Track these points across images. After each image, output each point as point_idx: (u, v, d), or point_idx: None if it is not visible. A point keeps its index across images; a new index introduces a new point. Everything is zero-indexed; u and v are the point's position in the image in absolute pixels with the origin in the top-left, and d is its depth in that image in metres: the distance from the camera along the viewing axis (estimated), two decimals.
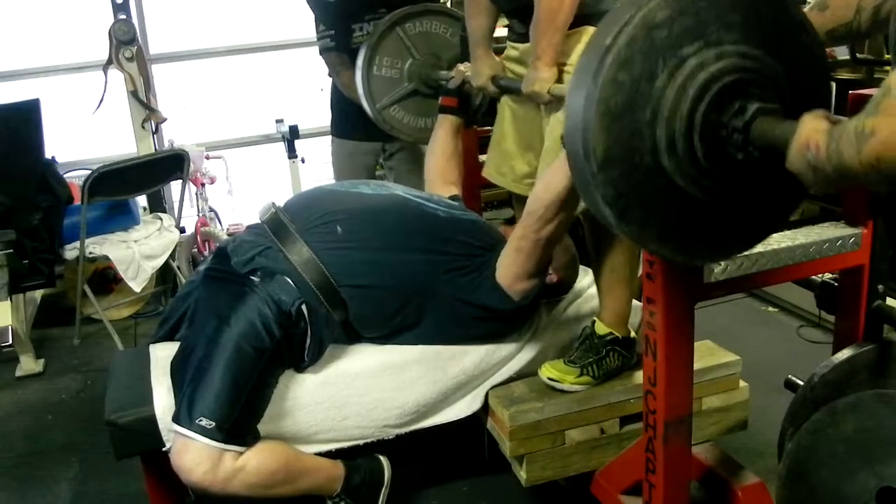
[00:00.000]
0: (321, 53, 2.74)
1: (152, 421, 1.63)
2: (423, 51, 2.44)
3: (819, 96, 1.12)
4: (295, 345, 1.67)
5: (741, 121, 1.02)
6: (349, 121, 2.75)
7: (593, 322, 1.80)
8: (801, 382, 1.55)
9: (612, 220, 1.05)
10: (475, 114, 2.25)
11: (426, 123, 2.49)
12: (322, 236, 1.72)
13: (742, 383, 1.85)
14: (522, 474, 1.74)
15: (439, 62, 2.44)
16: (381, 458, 1.85)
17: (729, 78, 1.02)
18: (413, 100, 2.49)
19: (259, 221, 1.81)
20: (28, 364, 3.03)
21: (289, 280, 1.66)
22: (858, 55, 3.04)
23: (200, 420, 1.53)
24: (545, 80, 1.67)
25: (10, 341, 3.08)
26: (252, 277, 1.67)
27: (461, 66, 2.11)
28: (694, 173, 1.04)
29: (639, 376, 1.71)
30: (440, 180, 2.15)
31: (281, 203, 1.87)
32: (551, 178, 1.59)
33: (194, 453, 1.54)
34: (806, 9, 1.35)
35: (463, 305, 1.75)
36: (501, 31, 2.12)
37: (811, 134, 0.91)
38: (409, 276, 1.74)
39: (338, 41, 2.68)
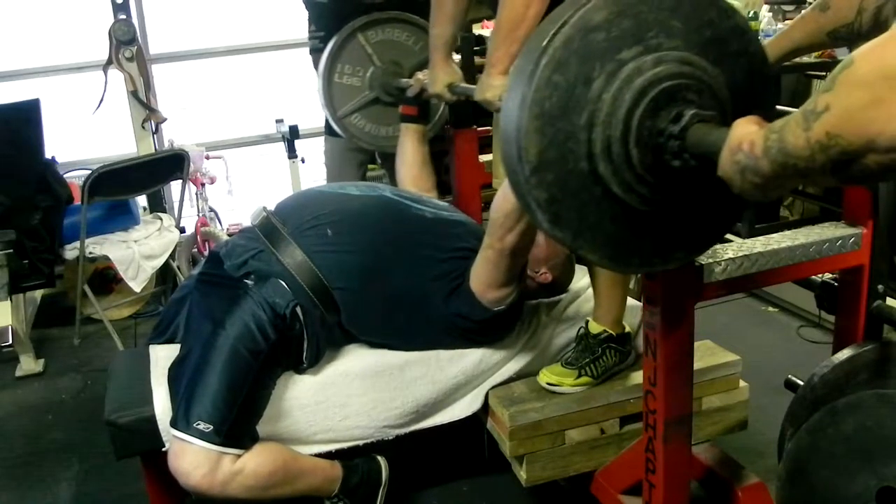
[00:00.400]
0: (310, 53, 2.74)
1: (152, 421, 1.63)
2: (385, 58, 2.42)
3: (761, 102, 1.10)
4: (292, 347, 1.68)
5: (677, 127, 0.99)
6: None
7: (587, 322, 1.80)
8: (801, 382, 1.55)
9: (545, 224, 1.04)
10: (440, 121, 2.24)
11: (388, 132, 2.48)
12: (313, 239, 1.73)
13: (742, 383, 1.85)
14: (522, 474, 1.74)
15: (401, 70, 2.43)
16: (379, 458, 1.85)
17: (666, 83, 0.99)
18: (374, 108, 2.48)
19: (251, 225, 1.82)
20: (28, 364, 3.02)
21: (282, 283, 1.67)
22: None
23: (198, 424, 1.53)
24: (497, 87, 1.65)
25: (10, 341, 3.08)
26: (246, 281, 1.68)
27: (420, 75, 2.10)
28: (630, 180, 1.02)
29: (638, 376, 1.71)
30: (415, 189, 2.15)
31: (272, 206, 1.87)
32: (508, 188, 1.59)
33: (192, 457, 1.54)
34: (807, 9, 1.35)
35: (451, 316, 1.76)
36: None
37: (743, 136, 0.89)
38: (396, 280, 1.74)
39: (327, 42, 2.67)
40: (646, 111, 0.99)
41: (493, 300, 1.72)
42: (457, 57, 2.25)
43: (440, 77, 1.98)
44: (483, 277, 1.70)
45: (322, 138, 2.87)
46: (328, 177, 2.90)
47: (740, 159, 0.88)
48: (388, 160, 2.86)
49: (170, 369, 1.65)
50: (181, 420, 1.55)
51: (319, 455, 1.75)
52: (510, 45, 1.62)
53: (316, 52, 2.71)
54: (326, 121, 2.89)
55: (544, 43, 0.98)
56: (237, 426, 1.57)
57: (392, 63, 2.43)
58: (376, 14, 2.44)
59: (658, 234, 1.12)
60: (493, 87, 1.66)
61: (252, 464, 1.59)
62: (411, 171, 2.19)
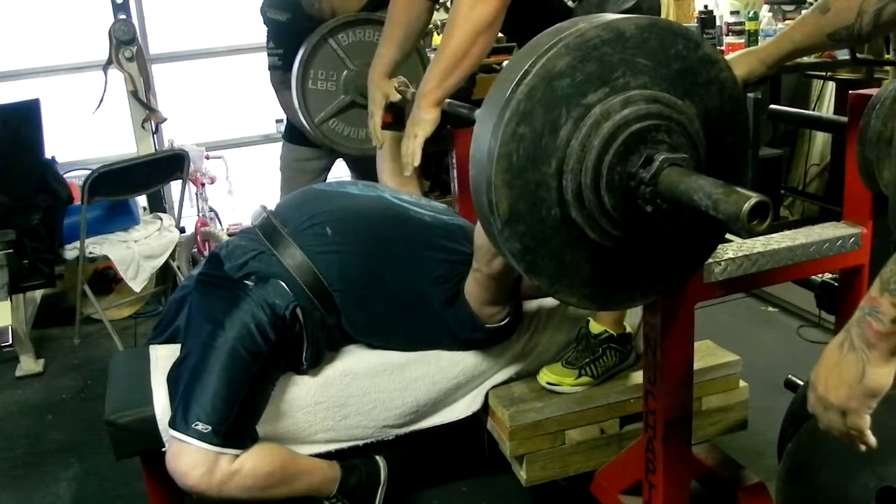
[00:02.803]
0: (269, 69, 2.74)
1: (152, 421, 1.63)
2: (359, 61, 2.38)
3: (733, 127, 1.10)
4: (291, 348, 1.67)
5: (648, 173, 0.98)
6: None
7: (587, 322, 1.80)
8: (801, 382, 1.55)
9: (522, 272, 1.03)
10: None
11: (368, 134, 2.47)
12: (313, 239, 1.72)
13: (742, 383, 1.85)
14: (522, 474, 1.74)
15: None
16: (378, 458, 1.85)
17: (635, 126, 0.98)
18: (352, 112, 2.44)
19: (251, 225, 1.81)
20: (28, 364, 3.03)
21: (282, 284, 1.66)
22: (858, 55, 3.04)
23: (196, 424, 1.53)
24: (427, 121, 1.62)
25: (10, 341, 3.09)
26: (246, 282, 1.67)
27: (395, 82, 2.02)
28: (604, 224, 1.01)
29: (638, 376, 1.71)
30: None
31: (272, 206, 1.87)
32: None
33: (190, 457, 1.53)
34: (807, 11, 1.35)
35: (450, 325, 1.75)
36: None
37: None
38: (395, 282, 1.73)
39: (284, 60, 2.67)
40: (616, 156, 0.98)
41: (487, 316, 1.72)
42: None
43: (376, 96, 1.95)
44: (475, 296, 1.70)
45: None
46: (282, 186, 2.86)
47: None
48: (359, 165, 2.81)
49: (169, 371, 1.65)
50: (180, 421, 1.55)
51: (319, 455, 1.75)
52: (446, 79, 1.59)
53: (274, 70, 2.71)
54: (287, 125, 2.87)
55: (507, 94, 0.96)
56: (236, 427, 1.57)
57: (365, 65, 2.34)
58: (345, 17, 2.41)
59: (636, 271, 1.11)
60: (423, 121, 1.62)
61: (250, 464, 1.58)
62: (394, 180, 2.15)
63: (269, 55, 2.71)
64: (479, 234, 1.60)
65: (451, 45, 1.57)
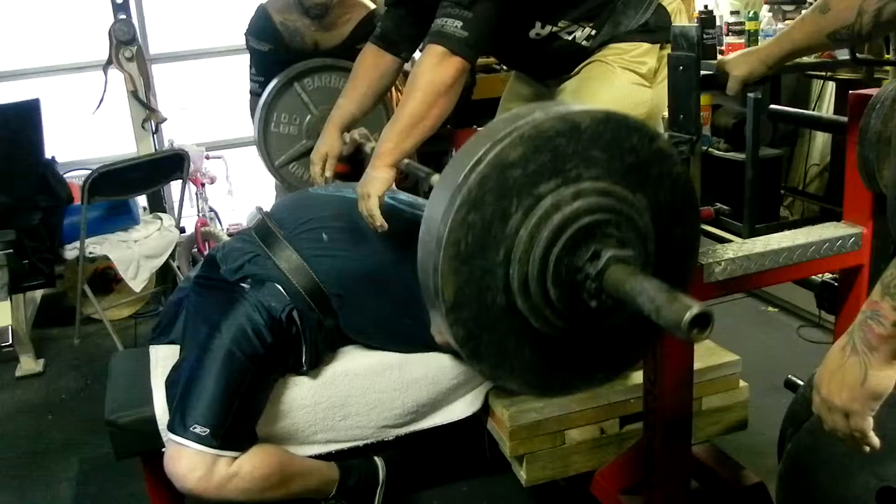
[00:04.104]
0: (250, 94, 2.77)
1: (152, 421, 1.63)
2: (323, 106, 2.37)
3: (683, 220, 1.11)
4: (289, 350, 1.67)
5: (594, 269, 0.98)
6: None
7: None
8: (801, 382, 1.55)
9: (465, 357, 1.04)
10: None
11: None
12: (309, 242, 1.72)
13: (742, 383, 1.85)
14: (522, 474, 1.74)
15: None
16: (376, 458, 1.85)
17: (585, 220, 0.98)
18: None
19: (247, 227, 1.81)
20: (28, 364, 3.03)
21: (279, 287, 1.66)
22: (858, 55, 3.04)
23: (194, 427, 1.53)
24: (380, 180, 1.61)
25: (10, 341, 3.08)
26: (242, 285, 1.67)
27: (355, 134, 2.03)
28: (548, 315, 1.01)
29: (638, 376, 1.71)
30: None
31: (268, 208, 1.87)
32: None
33: (187, 460, 1.53)
34: (807, 11, 1.35)
35: None
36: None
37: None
38: (393, 287, 1.72)
39: (265, 88, 2.65)
40: (563, 249, 0.98)
41: None
42: None
43: (321, 148, 1.96)
44: None
45: None
46: (276, 187, 2.87)
47: None
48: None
49: (168, 375, 1.65)
50: (178, 424, 1.55)
51: (318, 456, 1.75)
52: (403, 141, 1.60)
53: (254, 96, 2.74)
54: None
55: (459, 180, 0.96)
56: (234, 429, 1.57)
57: (329, 111, 2.29)
58: (311, 61, 2.43)
59: (578, 358, 1.11)
60: (376, 179, 1.61)
61: (248, 466, 1.58)
62: None
63: (251, 80, 2.76)
64: None
65: (411, 106, 1.58)
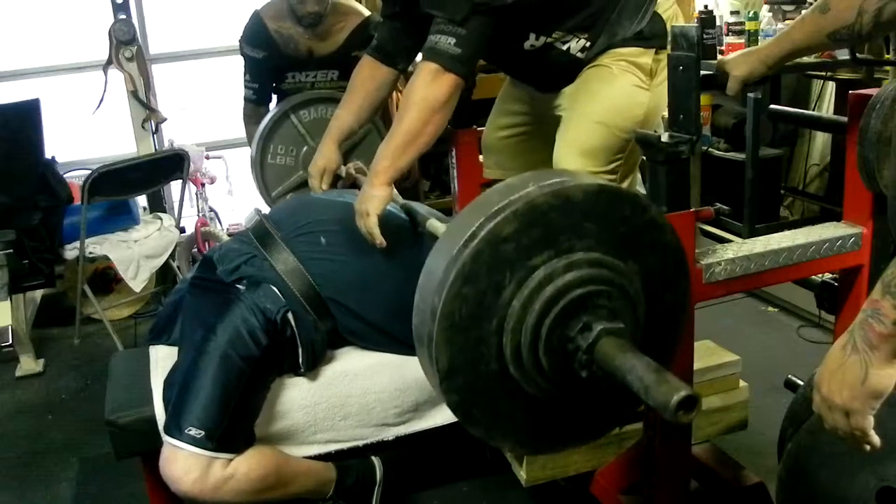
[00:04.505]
0: (244, 100, 2.81)
1: (152, 421, 1.63)
2: (319, 138, 2.30)
3: (674, 286, 1.13)
4: (285, 352, 1.67)
5: (585, 341, 1.00)
6: None
7: None
8: (801, 382, 1.56)
9: (459, 420, 1.07)
10: None
11: None
12: (307, 245, 1.72)
13: (742, 383, 1.85)
14: (522, 474, 1.74)
15: None
16: (374, 458, 1.84)
17: (577, 291, 1.00)
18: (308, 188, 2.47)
19: (245, 228, 1.81)
20: (28, 364, 3.02)
21: (274, 289, 1.65)
22: (858, 55, 3.04)
23: (189, 430, 1.53)
24: (378, 198, 1.62)
25: (10, 341, 3.08)
26: (238, 286, 1.67)
27: (350, 167, 2.02)
28: (540, 382, 1.04)
29: None
30: None
31: (266, 210, 1.87)
32: None
33: (183, 462, 1.53)
34: (807, 11, 1.35)
35: None
36: None
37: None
38: (391, 292, 1.71)
39: (259, 95, 2.74)
40: (555, 320, 1.00)
41: None
42: None
43: (318, 161, 1.96)
44: None
45: None
46: None
47: None
48: None
49: (165, 377, 1.65)
50: (173, 426, 1.54)
51: (319, 457, 1.75)
52: (399, 158, 1.61)
53: (247, 102, 2.79)
54: None
55: (454, 253, 0.98)
56: (229, 431, 1.56)
57: None
58: (308, 93, 2.45)
59: (570, 420, 1.14)
60: (374, 197, 1.62)
61: (244, 468, 1.58)
62: None
63: (244, 86, 2.77)
64: None
65: (406, 123, 1.59)
